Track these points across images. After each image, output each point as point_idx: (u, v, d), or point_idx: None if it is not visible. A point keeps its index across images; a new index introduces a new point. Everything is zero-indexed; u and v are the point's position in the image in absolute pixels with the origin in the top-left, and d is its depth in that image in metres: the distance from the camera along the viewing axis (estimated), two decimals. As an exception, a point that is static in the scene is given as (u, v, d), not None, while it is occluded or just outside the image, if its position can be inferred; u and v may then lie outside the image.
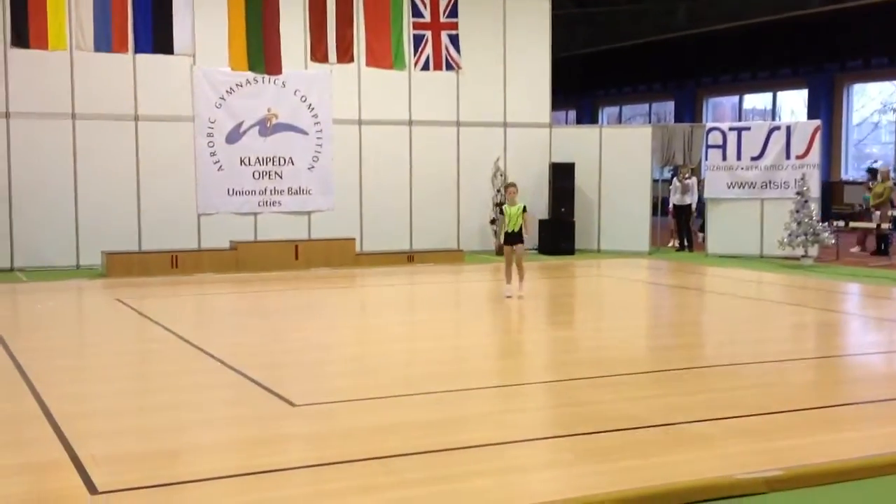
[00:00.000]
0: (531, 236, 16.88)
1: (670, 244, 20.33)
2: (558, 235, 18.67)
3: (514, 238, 11.98)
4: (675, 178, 20.09)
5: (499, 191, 18.44)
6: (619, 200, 18.98)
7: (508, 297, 12.03)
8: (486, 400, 7.21)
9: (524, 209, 11.93)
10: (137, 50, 16.00)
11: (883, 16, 24.98)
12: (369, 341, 9.99)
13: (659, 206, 20.35)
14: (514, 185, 12.30)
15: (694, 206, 19.77)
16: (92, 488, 4.95)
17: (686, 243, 19.66)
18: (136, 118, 16.22)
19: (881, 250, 18.39)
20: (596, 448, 5.70)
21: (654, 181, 21.75)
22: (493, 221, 18.47)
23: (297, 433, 6.23)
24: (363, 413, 6.66)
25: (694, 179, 19.88)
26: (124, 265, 15.07)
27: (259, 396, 7.05)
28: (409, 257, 17.17)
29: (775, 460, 5.34)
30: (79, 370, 8.32)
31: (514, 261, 12.03)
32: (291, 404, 6.78)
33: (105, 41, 15.78)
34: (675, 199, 19.87)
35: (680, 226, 19.89)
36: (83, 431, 6.02)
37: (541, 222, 18.94)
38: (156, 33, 16.09)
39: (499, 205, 18.41)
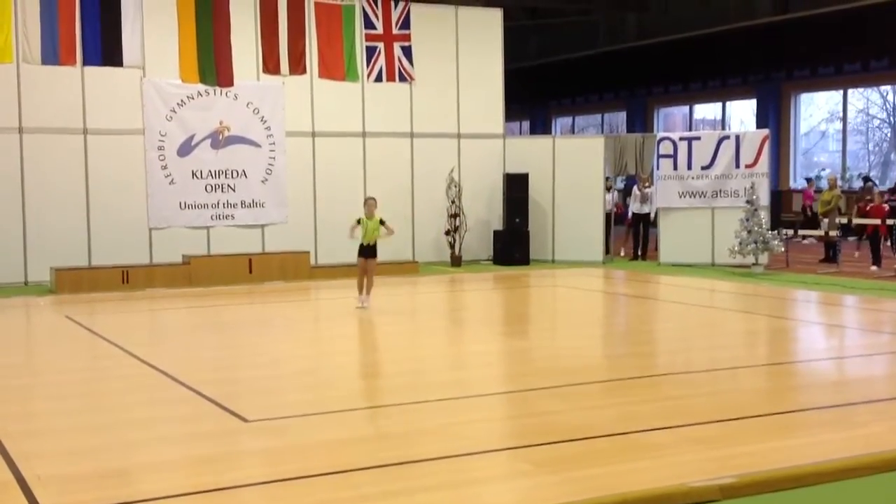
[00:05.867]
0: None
1: (621, 253, 20.47)
2: (513, 246, 18.71)
3: (369, 251, 12.64)
4: (635, 187, 20.26)
5: (453, 202, 18.46)
6: (573, 210, 19.09)
7: (359, 307, 12.54)
8: (443, 412, 7.18)
9: (381, 222, 12.56)
10: (86, 62, 15.80)
11: (829, 25, 25.48)
12: (323, 355, 9.92)
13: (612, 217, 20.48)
14: (373, 198, 12.89)
15: (652, 216, 19.93)
16: (39, 510, 4.85)
17: (640, 252, 19.81)
18: (85, 132, 15.98)
19: (829, 258, 18.67)
20: (552, 458, 5.70)
21: (618, 191, 21.98)
22: (447, 233, 18.47)
23: (250, 449, 6.15)
24: (318, 427, 6.60)
25: (654, 188, 20.03)
26: (74, 281, 14.82)
27: (211, 413, 6.96)
28: (364, 269, 17.06)
29: (728, 467, 5.39)
30: (26, 388, 8.16)
31: (366, 273, 12.65)
32: (244, 420, 6.70)
33: (52, 54, 15.58)
34: (634, 207, 20.03)
35: (637, 234, 20.03)
36: (30, 451, 5.89)
37: (495, 233, 19.00)
38: (104, 45, 15.91)
39: (454, 216, 18.45)
